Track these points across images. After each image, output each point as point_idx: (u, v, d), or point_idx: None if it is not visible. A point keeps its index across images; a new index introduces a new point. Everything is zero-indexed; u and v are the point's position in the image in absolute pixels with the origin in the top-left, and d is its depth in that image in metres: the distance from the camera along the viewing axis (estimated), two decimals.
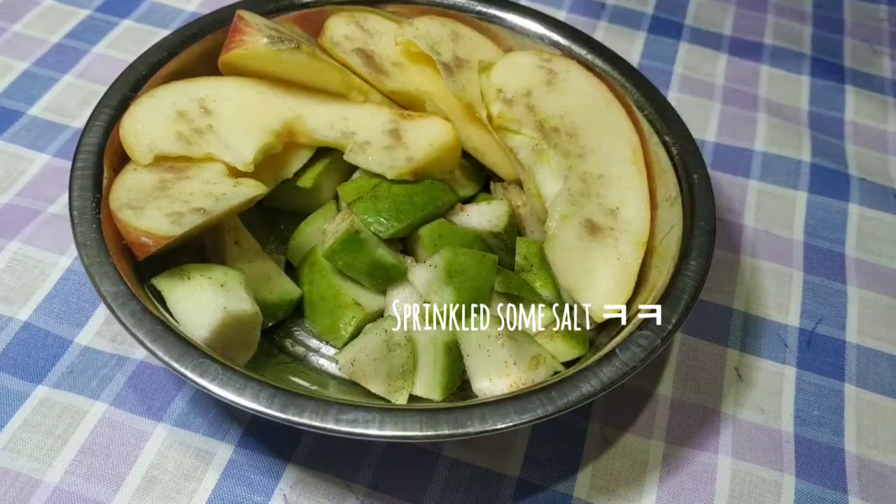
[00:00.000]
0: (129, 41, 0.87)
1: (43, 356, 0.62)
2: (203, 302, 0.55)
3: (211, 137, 0.62)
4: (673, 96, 0.89)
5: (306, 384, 0.58)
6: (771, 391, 0.65)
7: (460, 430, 0.48)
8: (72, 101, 0.81)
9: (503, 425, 0.48)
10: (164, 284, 0.56)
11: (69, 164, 0.59)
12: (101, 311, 0.65)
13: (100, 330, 0.64)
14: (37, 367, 0.61)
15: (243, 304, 0.56)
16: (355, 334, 0.61)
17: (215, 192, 0.58)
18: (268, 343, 0.62)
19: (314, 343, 0.63)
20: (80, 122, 0.78)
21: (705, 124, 0.86)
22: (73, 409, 0.59)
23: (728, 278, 0.72)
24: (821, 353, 0.68)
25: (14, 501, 0.55)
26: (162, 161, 0.61)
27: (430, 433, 0.48)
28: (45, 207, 0.71)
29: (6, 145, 0.76)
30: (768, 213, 0.78)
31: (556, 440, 0.61)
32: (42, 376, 0.61)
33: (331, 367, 0.61)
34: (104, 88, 0.63)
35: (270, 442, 0.59)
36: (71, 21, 0.89)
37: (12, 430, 0.58)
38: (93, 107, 0.62)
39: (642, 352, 0.53)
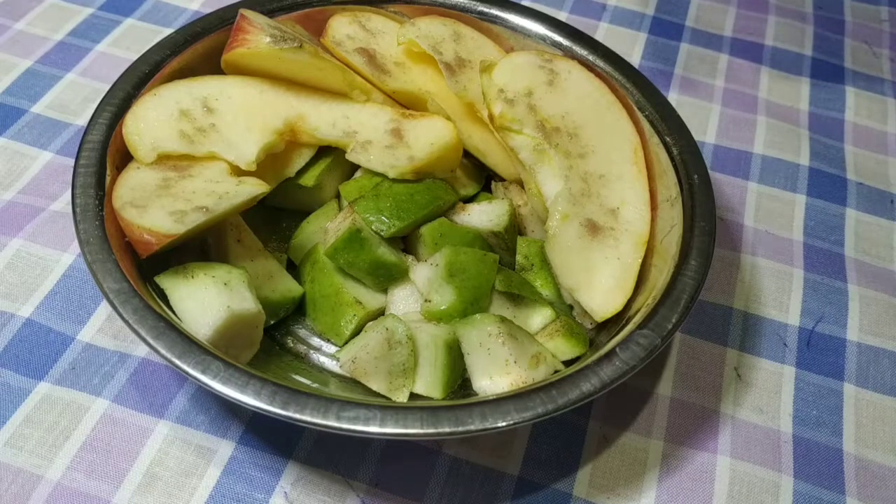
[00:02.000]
0: (131, 39, 0.87)
1: (45, 353, 0.62)
2: (207, 301, 0.55)
3: (214, 136, 0.62)
4: (673, 97, 0.89)
5: (307, 382, 0.58)
6: (770, 391, 0.65)
7: (461, 428, 0.48)
8: (74, 98, 0.81)
9: (503, 423, 0.49)
10: (167, 283, 0.56)
11: (71, 161, 0.59)
12: (104, 308, 0.65)
13: (102, 327, 0.64)
14: (39, 364, 0.61)
15: (247, 303, 0.56)
16: (356, 332, 0.61)
17: (218, 191, 0.59)
18: (269, 341, 0.62)
19: (315, 341, 0.63)
20: (82, 120, 0.78)
21: (705, 126, 0.86)
22: (75, 405, 0.59)
23: (728, 278, 0.72)
24: (820, 352, 0.68)
25: (15, 497, 0.55)
26: (165, 160, 0.61)
27: (430, 431, 0.48)
28: (48, 205, 0.71)
29: (9, 142, 0.76)
30: (768, 214, 0.78)
31: (555, 439, 0.61)
32: (44, 373, 0.61)
33: (332, 365, 0.62)
34: (107, 86, 0.64)
35: (271, 439, 0.59)
36: (74, 19, 0.89)
37: (14, 426, 0.58)
38: (95, 104, 0.62)
39: (642, 351, 0.53)
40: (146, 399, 0.60)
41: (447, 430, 0.48)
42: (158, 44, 0.67)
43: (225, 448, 0.58)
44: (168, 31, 0.87)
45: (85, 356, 0.62)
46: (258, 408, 0.48)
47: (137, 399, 0.60)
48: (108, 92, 0.63)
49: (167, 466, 0.57)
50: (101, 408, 0.59)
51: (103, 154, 0.59)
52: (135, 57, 0.67)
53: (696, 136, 0.66)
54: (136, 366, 0.62)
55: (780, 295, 0.72)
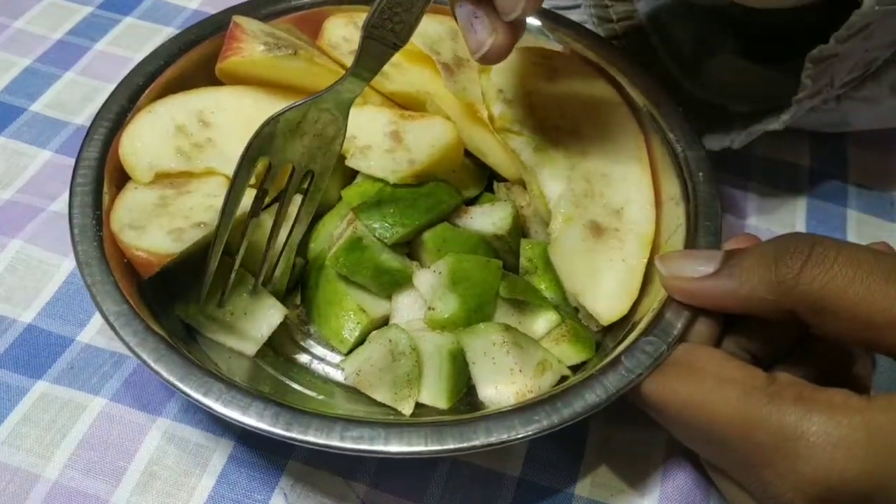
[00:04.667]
0: (130, 38, 0.87)
1: (44, 353, 0.62)
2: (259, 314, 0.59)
3: (210, 151, 0.62)
4: None
5: (312, 393, 0.58)
6: None
7: (466, 444, 0.48)
8: (73, 97, 0.80)
9: (508, 437, 0.48)
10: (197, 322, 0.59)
11: (70, 160, 0.59)
12: None
13: (101, 328, 0.64)
14: (37, 364, 0.61)
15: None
16: (360, 340, 0.60)
17: (216, 205, 0.58)
18: (273, 352, 0.61)
19: (319, 351, 0.62)
20: (81, 119, 0.78)
21: None
22: (73, 404, 0.59)
23: None
24: None
25: (13, 497, 0.55)
26: (163, 177, 0.60)
27: (435, 448, 0.48)
28: (47, 205, 0.71)
29: (8, 141, 0.76)
30: (769, 213, 0.78)
31: (557, 439, 0.60)
32: (42, 372, 0.61)
33: (336, 375, 0.61)
34: (106, 85, 0.63)
35: (270, 439, 0.58)
36: (73, 18, 0.88)
37: (11, 425, 0.58)
38: (94, 103, 0.62)
39: (648, 358, 0.52)
40: (144, 397, 0.60)
41: (452, 446, 0.48)
42: (152, 53, 0.66)
43: (224, 448, 0.58)
44: (167, 30, 0.87)
45: (83, 356, 0.62)
46: (261, 429, 0.48)
47: (135, 397, 0.60)
48: (102, 106, 0.63)
49: (165, 465, 0.57)
50: (98, 406, 0.59)
51: (100, 172, 0.59)
52: (133, 56, 0.66)
53: None
54: (135, 365, 0.62)
55: None
